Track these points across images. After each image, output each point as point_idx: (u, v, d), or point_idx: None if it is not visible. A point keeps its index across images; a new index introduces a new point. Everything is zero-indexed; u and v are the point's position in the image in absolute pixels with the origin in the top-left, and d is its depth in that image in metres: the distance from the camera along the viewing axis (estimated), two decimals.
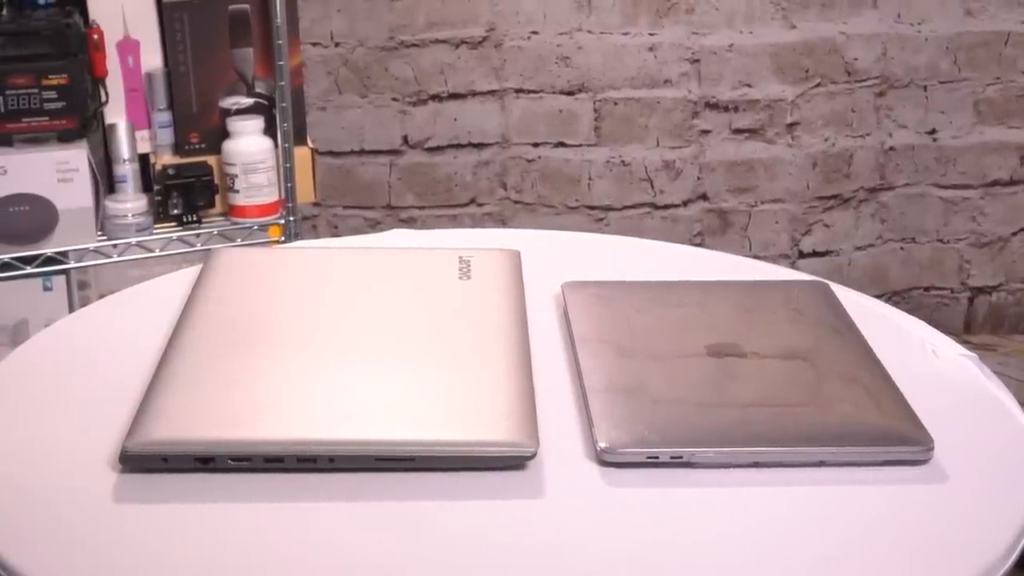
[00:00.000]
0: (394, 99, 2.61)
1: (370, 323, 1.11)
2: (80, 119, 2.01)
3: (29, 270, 2.03)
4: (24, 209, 2.00)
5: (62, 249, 2.04)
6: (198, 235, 2.12)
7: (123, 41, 2.06)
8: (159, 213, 2.11)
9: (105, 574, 0.83)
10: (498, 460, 0.93)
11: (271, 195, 2.12)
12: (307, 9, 2.49)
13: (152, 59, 2.08)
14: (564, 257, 1.34)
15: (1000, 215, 2.77)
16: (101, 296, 1.88)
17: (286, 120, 2.11)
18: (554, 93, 2.63)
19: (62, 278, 2.07)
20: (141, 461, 0.92)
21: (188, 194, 2.10)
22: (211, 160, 2.11)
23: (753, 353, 1.07)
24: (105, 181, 2.09)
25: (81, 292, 2.11)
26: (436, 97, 2.62)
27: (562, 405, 1.02)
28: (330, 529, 0.87)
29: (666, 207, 2.71)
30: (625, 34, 2.60)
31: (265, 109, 2.11)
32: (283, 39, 2.07)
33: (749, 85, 2.65)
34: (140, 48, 2.07)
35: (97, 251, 2.07)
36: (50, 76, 1.97)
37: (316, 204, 2.56)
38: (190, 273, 1.25)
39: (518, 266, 1.22)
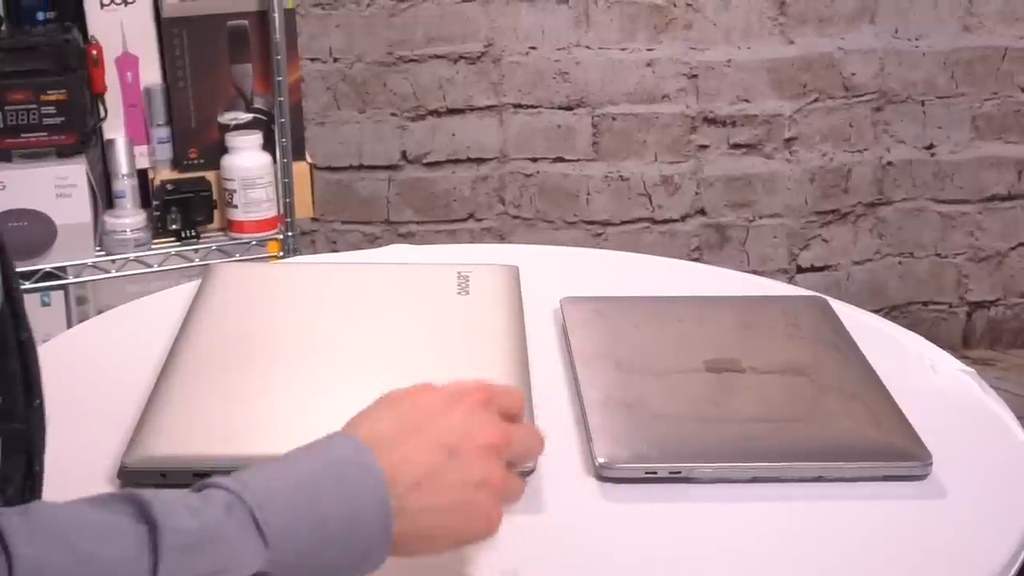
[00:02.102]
0: (392, 114, 2.62)
1: (368, 338, 1.11)
2: (79, 134, 2.01)
3: (27, 285, 2.03)
4: (23, 224, 2.00)
5: (60, 264, 2.04)
6: (196, 250, 2.12)
7: (122, 57, 2.06)
8: (157, 228, 2.11)
9: None
10: None
11: (270, 210, 2.12)
12: (306, 25, 2.50)
13: (151, 75, 2.08)
14: (562, 272, 1.34)
15: (998, 230, 2.77)
16: (99, 311, 1.88)
17: (285, 135, 2.11)
18: (552, 108, 2.63)
19: (60, 293, 2.07)
20: (139, 477, 0.92)
21: (187, 209, 2.10)
22: (210, 175, 2.11)
23: (751, 368, 1.07)
24: (104, 196, 2.09)
25: (79, 307, 2.11)
26: (434, 112, 2.62)
27: (561, 420, 1.02)
28: None
29: (664, 222, 2.71)
30: (623, 49, 2.61)
31: (264, 124, 2.11)
32: (282, 55, 2.07)
33: (747, 100, 2.65)
34: (139, 64, 2.07)
35: (95, 266, 2.07)
36: (49, 92, 1.97)
37: (315, 219, 2.57)
38: (189, 288, 1.25)
39: (516, 281, 1.22)
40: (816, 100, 2.66)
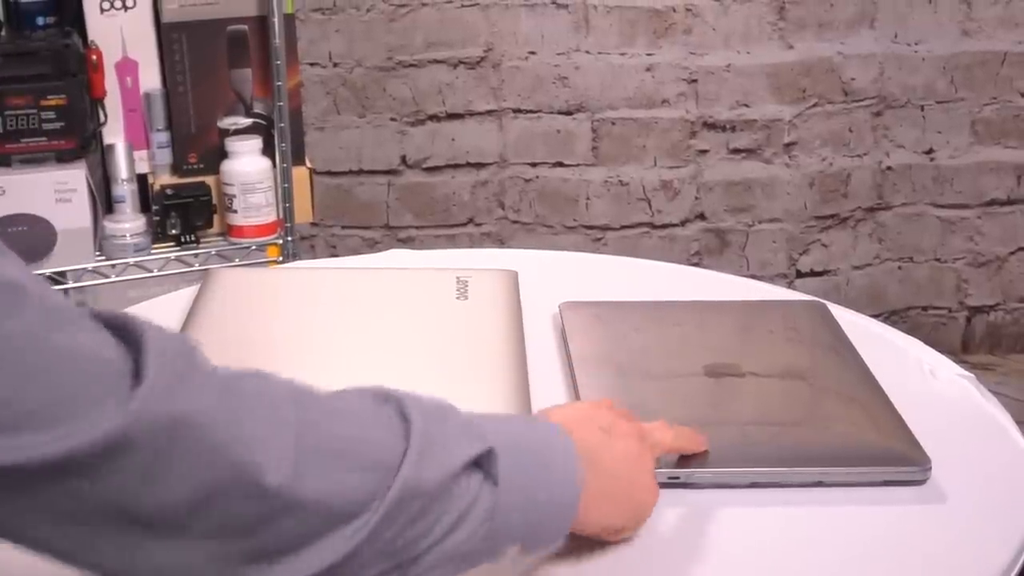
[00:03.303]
0: (392, 119, 2.62)
1: (368, 343, 1.11)
2: (79, 139, 2.01)
3: None
4: (23, 229, 2.00)
5: (60, 269, 2.04)
6: (196, 255, 2.12)
7: (122, 61, 2.06)
8: (157, 233, 2.11)
9: None
10: None
11: (269, 215, 2.12)
12: (305, 30, 2.50)
13: (151, 79, 2.08)
14: (562, 277, 1.34)
15: (997, 234, 2.77)
16: None
17: (284, 140, 2.11)
18: (552, 113, 2.64)
19: None
20: None
21: (186, 214, 2.10)
22: (209, 180, 2.11)
23: (751, 373, 1.07)
24: (103, 201, 2.09)
25: None
26: (434, 117, 2.62)
27: None
28: None
29: (664, 227, 2.72)
30: (623, 54, 2.61)
31: (263, 129, 2.11)
32: (281, 59, 2.07)
33: (746, 105, 2.65)
34: (139, 68, 2.07)
35: (95, 271, 2.07)
36: (49, 97, 1.98)
37: (314, 224, 2.57)
38: (188, 293, 1.25)
39: (516, 286, 1.22)
40: (816, 105, 2.66)
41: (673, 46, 2.61)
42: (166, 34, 2.05)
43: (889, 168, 2.72)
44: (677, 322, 1.18)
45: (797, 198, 2.71)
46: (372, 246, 2.69)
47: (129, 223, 2.08)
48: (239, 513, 0.65)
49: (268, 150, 2.11)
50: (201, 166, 2.11)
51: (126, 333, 0.67)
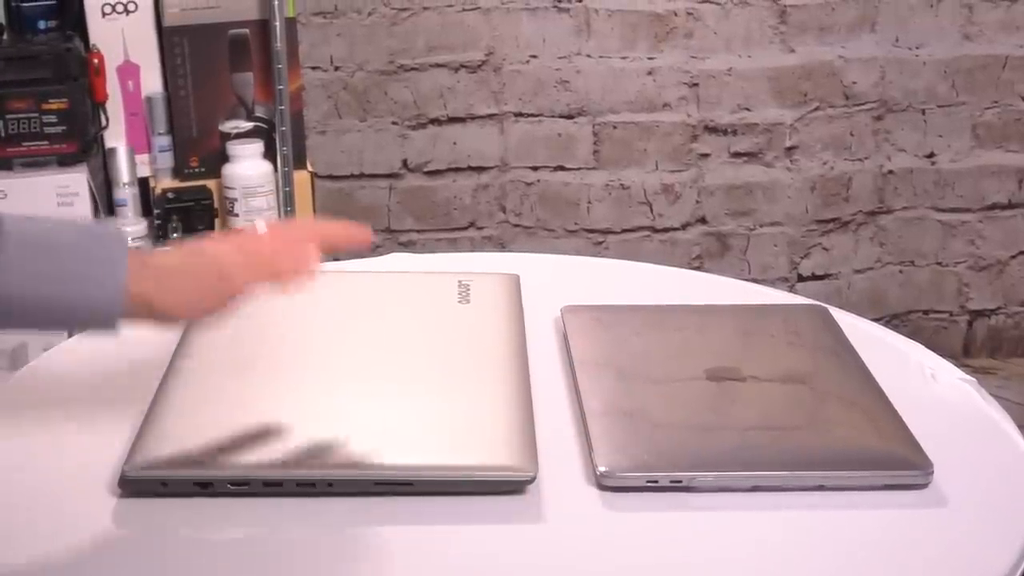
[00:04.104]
0: (393, 123, 2.62)
1: (369, 347, 1.11)
2: (80, 143, 2.01)
3: None
4: None
5: None
6: None
7: (123, 65, 2.06)
8: (159, 237, 2.11)
9: None
10: (497, 484, 0.93)
11: (270, 219, 2.12)
12: (307, 33, 2.50)
13: (152, 83, 2.08)
14: (563, 281, 1.35)
15: (999, 238, 2.77)
16: None
17: (286, 144, 2.11)
18: (553, 117, 2.64)
19: None
20: (140, 485, 0.92)
21: (188, 218, 2.10)
22: (211, 184, 2.11)
23: (752, 377, 1.07)
24: (105, 205, 2.09)
25: None
26: (435, 121, 2.62)
27: (561, 429, 1.02)
28: (329, 553, 0.87)
29: (665, 230, 2.72)
30: (624, 58, 2.61)
31: (265, 133, 2.12)
32: (283, 63, 2.07)
33: (748, 109, 2.65)
34: (140, 72, 2.07)
35: None
36: (50, 100, 1.98)
37: None
38: None
39: (517, 290, 1.22)
40: (817, 108, 2.66)
41: (674, 50, 2.61)
42: (167, 38, 2.05)
43: (890, 172, 2.72)
44: (678, 326, 1.18)
45: (798, 202, 2.71)
46: (373, 250, 2.68)
47: (130, 227, 2.09)
48: None
49: (269, 154, 2.11)
50: (202, 170, 2.11)
51: None
